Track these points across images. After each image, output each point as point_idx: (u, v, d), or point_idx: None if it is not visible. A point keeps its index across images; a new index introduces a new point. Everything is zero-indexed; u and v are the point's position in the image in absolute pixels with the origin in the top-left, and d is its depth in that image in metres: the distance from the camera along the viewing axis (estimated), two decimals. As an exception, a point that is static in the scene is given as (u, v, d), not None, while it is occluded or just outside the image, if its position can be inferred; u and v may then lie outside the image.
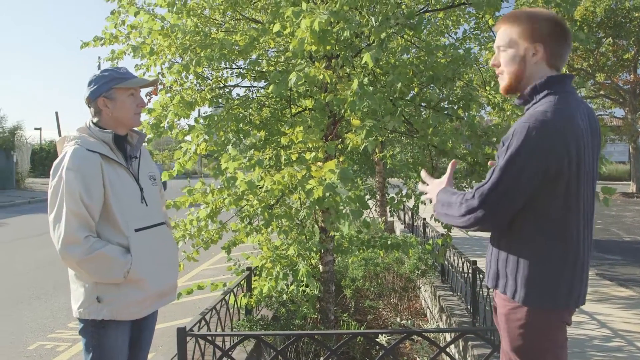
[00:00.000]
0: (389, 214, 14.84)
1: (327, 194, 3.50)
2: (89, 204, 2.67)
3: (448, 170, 2.49)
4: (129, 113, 2.93)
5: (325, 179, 3.53)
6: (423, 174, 2.62)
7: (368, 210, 3.90)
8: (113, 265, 2.69)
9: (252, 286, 5.52)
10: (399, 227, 14.11)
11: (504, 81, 2.32)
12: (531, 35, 2.23)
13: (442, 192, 2.38)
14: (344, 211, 3.54)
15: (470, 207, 2.14)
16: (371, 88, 3.97)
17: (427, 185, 2.54)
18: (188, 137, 5.41)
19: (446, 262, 7.29)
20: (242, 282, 5.47)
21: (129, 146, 2.99)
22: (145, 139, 3.17)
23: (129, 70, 3.02)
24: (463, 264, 6.20)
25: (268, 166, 4.85)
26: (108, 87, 2.87)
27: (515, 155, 2.07)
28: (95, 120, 2.92)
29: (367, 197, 13.13)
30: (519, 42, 2.25)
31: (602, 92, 27.41)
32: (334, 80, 4.17)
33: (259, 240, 5.71)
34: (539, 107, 2.16)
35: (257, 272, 5.66)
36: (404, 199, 5.48)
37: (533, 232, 2.15)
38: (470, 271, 5.63)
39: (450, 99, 4.96)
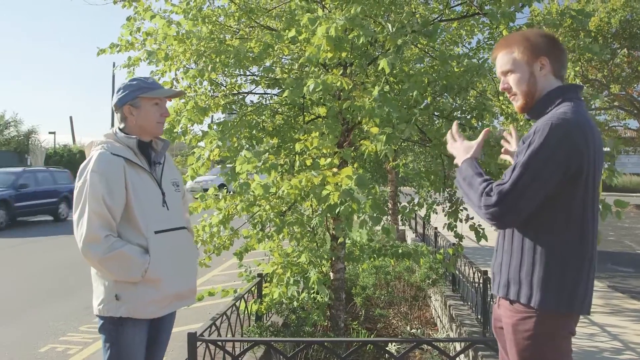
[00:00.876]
0: (400, 223, 14.82)
1: (343, 200, 3.51)
2: (110, 205, 2.79)
3: (480, 137, 2.48)
4: (152, 122, 3.05)
5: (342, 185, 3.54)
6: (454, 128, 2.60)
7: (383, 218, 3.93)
8: (132, 264, 2.79)
9: (263, 293, 5.52)
10: (410, 235, 14.09)
11: (518, 101, 2.37)
12: (533, 51, 2.30)
13: (467, 164, 2.36)
14: (363, 217, 3.56)
15: (488, 203, 2.15)
16: (389, 95, 3.98)
17: (456, 142, 2.52)
18: (201, 143, 5.44)
19: (457, 272, 7.26)
20: (252, 289, 5.48)
21: (153, 152, 3.10)
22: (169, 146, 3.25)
23: (156, 81, 3.15)
24: (474, 273, 6.18)
25: (282, 172, 4.86)
26: (134, 96, 3.00)
27: (539, 150, 2.09)
28: (121, 126, 3.06)
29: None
30: (524, 61, 2.32)
31: (616, 104, 27.28)
32: (350, 87, 4.18)
33: (270, 247, 5.72)
34: (557, 110, 2.20)
35: (268, 279, 5.67)
36: (416, 208, 5.47)
37: (550, 233, 2.16)
38: (481, 281, 5.60)
39: (464, 108, 4.96)
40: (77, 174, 2.90)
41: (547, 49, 2.30)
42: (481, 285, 5.58)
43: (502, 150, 2.76)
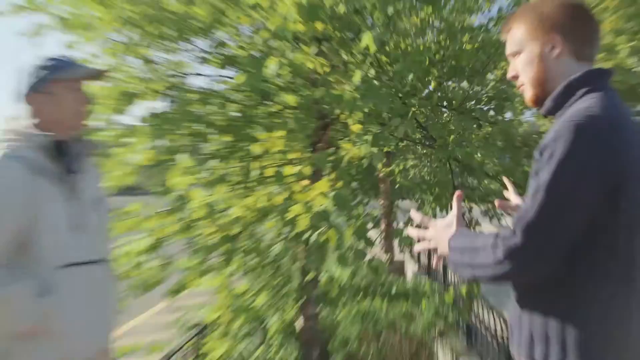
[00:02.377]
0: (397, 250, 14.81)
1: (315, 226, 3.49)
2: None
3: (454, 207, 2.41)
4: (70, 111, 2.99)
5: (314, 205, 3.53)
6: (413, 213, 2.56)
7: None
8: (20, 309, 2.66)
9: (206, 348, 5.51)
10: (411, 267, 14.06)
11: (527, 92, 2.35)
12: (541, 26, 2.27)
13: (456, 237, 2.30)
14: (342, 250, 3.55)
15: (512, 247, 2.03)
16: (376, 82, 4.01)
17: (429, 229, 2.47)
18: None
19: (473, 319, 7.30)
20: (190, 343, 5.45)
21: (70, 157, 2.98)
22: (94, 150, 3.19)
23: (73, 60, 3.08)
24: (496, 321, 6.20)
25: (234, 183, 4.88)
26: (46, 80, 2.94)
27: (566, 162, 2.00)
28: (28, 121, 2.95)
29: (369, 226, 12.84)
30: (530, 39, 2.29)
31: None
32: (326, 70, 4.21)
33: (216, 283, 5.70)
34: (579, 104, 2.15)
35: (213, 328, 5.66)
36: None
37: (587, 272, 2.09)
38: (506, 332, 5.63)
39: (479, 97, 4.97)
40: None
41: (563, 22, 2.25)
42: (506, 339, 5.61)
43: (498, 204, 2.71)
